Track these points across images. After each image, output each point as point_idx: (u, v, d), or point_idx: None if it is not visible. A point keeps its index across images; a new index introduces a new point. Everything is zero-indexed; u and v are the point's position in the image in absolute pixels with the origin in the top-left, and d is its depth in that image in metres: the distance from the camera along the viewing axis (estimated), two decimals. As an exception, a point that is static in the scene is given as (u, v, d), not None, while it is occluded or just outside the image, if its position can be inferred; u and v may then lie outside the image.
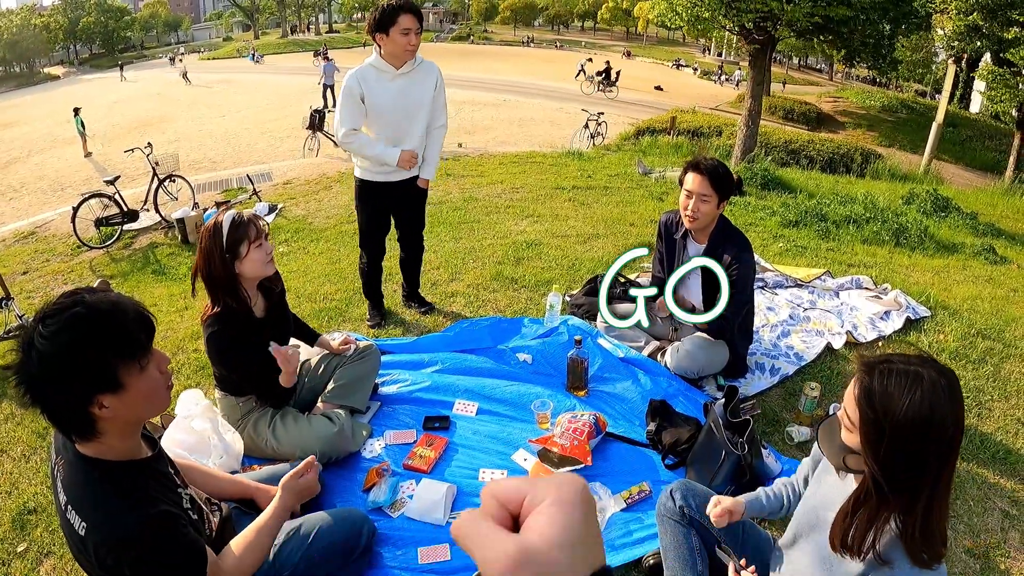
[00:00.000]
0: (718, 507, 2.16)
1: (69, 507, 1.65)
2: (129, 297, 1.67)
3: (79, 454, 1.66)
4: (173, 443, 2.98)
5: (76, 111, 19.13)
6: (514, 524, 0.54)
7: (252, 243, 2.81)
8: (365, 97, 3.99)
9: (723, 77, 43.46)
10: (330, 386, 3.36)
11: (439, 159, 4.38)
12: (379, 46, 3.93)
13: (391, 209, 4.44)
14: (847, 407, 1.70)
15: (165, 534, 1.65)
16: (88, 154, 18.42)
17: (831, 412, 3.55)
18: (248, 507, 2.44)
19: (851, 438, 1.70)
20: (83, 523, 1.61)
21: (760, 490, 2.29)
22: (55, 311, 1.53)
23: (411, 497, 2.89)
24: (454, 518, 2.77)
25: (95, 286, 5.71)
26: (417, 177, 4.28)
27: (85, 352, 1.53)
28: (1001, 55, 16.81)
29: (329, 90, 23.09)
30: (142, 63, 60.57)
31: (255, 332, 2.95)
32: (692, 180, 3.52)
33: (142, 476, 1.72)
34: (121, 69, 46.24)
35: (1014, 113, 17.52)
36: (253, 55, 51.42)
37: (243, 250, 2.80)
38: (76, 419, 1.59)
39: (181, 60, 50.19)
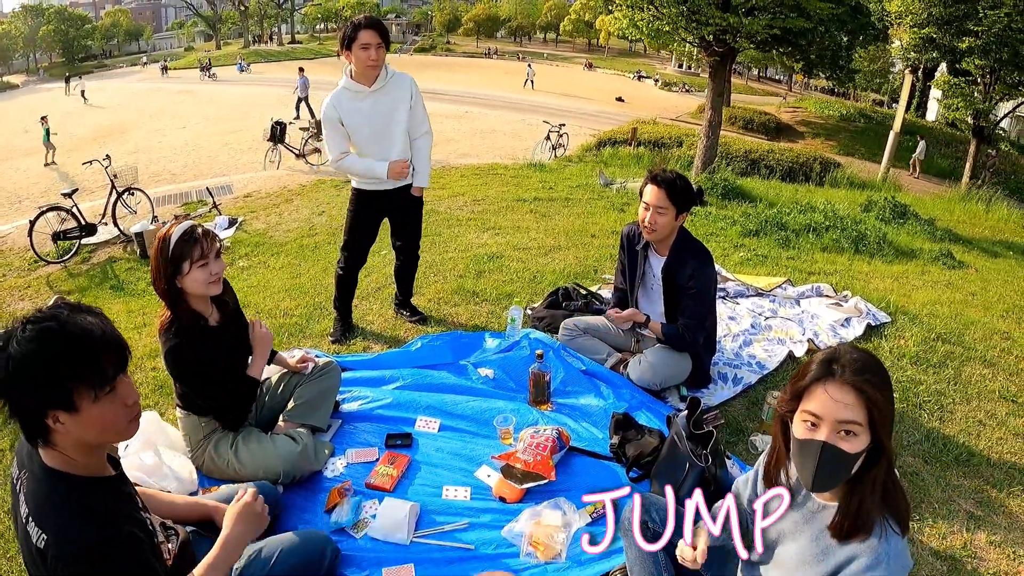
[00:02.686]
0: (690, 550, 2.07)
1: (30, 519, 1.63)
2: (110, 326, 1.68)
3: (45, 467, 1.66)
4: (132, 466, 2.91)
5: (43, 119, 19.00)
6: None
7: (195, 263, 2.74)
8: (343, 120, 4.07)
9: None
10: (291, 404, 3.29)
11: (430, 166, 4.43)
12: (348, 63, 4.00)
13: (387, 218, 4.49)
14: (845, 416, 1.66)
15: (124, 555, 1.63)
16: (50, 163, 18.14)
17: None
18: (207, 530, 2.39)
19: (861, 441, 1.67)
20: (43, 535, 1.60)
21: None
22: (34, 319, 1.57)
23: (374, 517, 2.84)
24: (418, 537, 2.76)
25: (51, 304, 5.58)
26: (411, 186, 4.34)
27: (44, 367, 1.54)
28: (956, 65, 17.23)
29: (303, 103, 23.19)
30: (103, 73, 59.60)
31: (212, 342, 2.90)
32: (650, 192, 3.56)
33: (107, 494, 1.71)
34: (67, 82, 40.88)
35: (970, 120, 17.95)
36: (241, 65, 50.47)
37: (185, 267, 2.73)
38: (33, 426, 1.61)
39: (166, 70, 49.09)
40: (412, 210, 4.48)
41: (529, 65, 44.85)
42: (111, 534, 1.62)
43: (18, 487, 1.72)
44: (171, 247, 2.71)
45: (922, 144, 22.73)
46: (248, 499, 2.15)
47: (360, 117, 4.07)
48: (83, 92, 35.19)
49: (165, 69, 51.14)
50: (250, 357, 3.14)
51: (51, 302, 4.98)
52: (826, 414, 1.68)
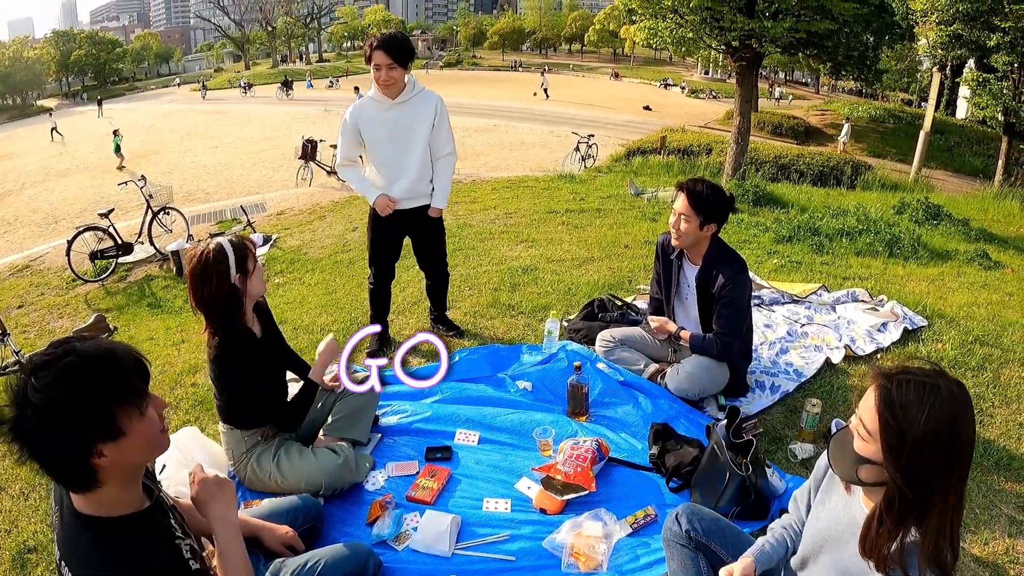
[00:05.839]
0: None
1: (63, 563, 1.63)
2: (121, 342, 1.65)
3: (74, 511, 1.63)
4: (174, 483, 2.96)
5: (115, 132, 20.88)
6: None
7: (256, 261, 2.89)
8: (361, 129, 4.12)
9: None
10: (330, 419, 3.33)
11: (450, 188, 4.43)
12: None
13: (406, 236, 4.52)
14: (863, 417, 1.69)
15: None
16: (124, 181, 19.04)
17: (833, 428, 3.55)
18: (251, 545, 2.42)
19: (866, 448, 1.69)
20: None
21: (761, 540, 2.24)
22: (47, 363, 1.49)
23: (415, 529, 2.87)
24: (459, 549, 2.77)
25: (91, 321, 5.66)
26: (428, 206, 4.34)
27: (84, 402, 1.49)
28: (984, 61, 16.98)
29: None
30: (134, 95, 60.68)
31: (259, 352, 2.98)
32: (677, 199, 3.64)
33: (137, 531, 1.68)
34: (99, 104, 43.32)
35: (1000, 118, 17.65)
36: (310, 83, 53.09)
37: (251, 266, 2.86)
38: (76, 471, 1.55)
39: (205, 93, 50.20)
40: (431, 231, 4.47)
41: (543, 74, 46.09)
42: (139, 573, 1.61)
43: (54, 524, 1.71)
44: (231, 253, 2.81)
45: (847, 126, 25.17)
46: (197, 476, 2.08)
47: (380, 127, 4.11)
48: (54, 129, 32.15)
49: (205, 88, 52.39)
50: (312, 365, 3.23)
51: (91, 320, 5.05)
52: (859, 407, 1.73)
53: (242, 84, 52.06)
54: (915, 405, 1.59)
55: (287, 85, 45.38)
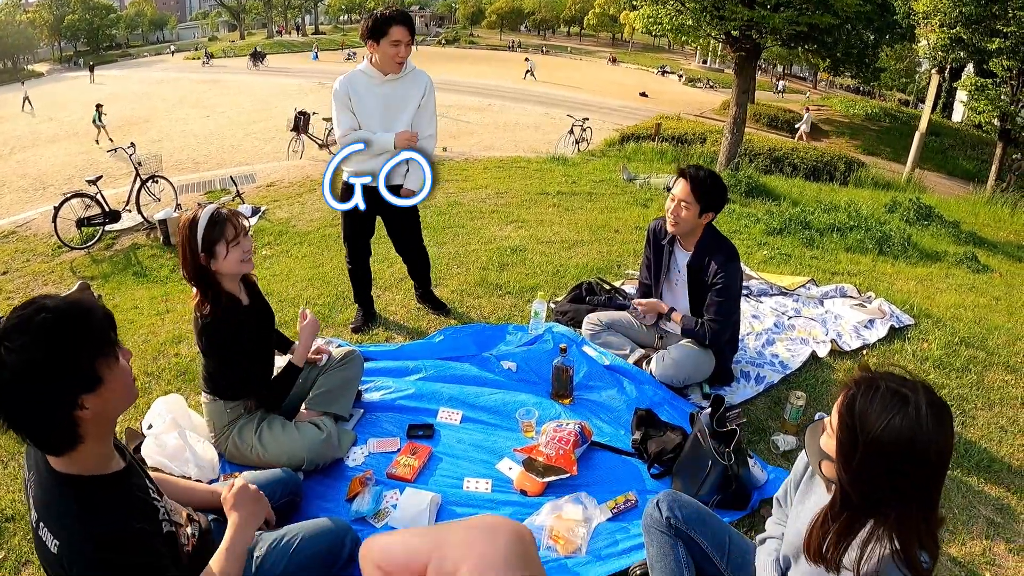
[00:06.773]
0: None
1: (41, 524, 1.63)
2: (84, 296, 1.66)
3: (52, 470, 1.64)
4: (153, 451, 2.93)
5: (99, 106, 20.83)
6: None
7: (230, 243, 2.77)
8: (352, 101, 4.02)
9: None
10: (312, 393, 3.31)
11: (428, 171, 4.27)
12: (371, 52, 3.96)
13: (378, 215, 4.39)
14: (833, 413, 1.70)
15: (133, 554, 1.63)
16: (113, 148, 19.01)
17: (816, 421, 3.55)
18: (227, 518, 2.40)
19: (829, 444, 1.71)
20: (55, 540, 1.59)
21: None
22: (19, 323, 1.49)
23: (395, 506, 2.85)
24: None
25: (75, 288, 5.61)
26: (401, 186, 4.19)
27: (66, 354, 1.51)
28: (984, 66, 16.99)
29: None
30: (126, 62, 60.07)
31: (246, 321, 2.94)
32: (678, 185, 3.58)
33: (115, 490, 1.70)
34: (91, 70, 43.10)
35: (996, 123, 17.68)
36: (315, 54, 52.69)
37: (220, 250, 2.76)
38: (59, 429, 1.56)
39: (208, 60, 49.84)
40: (403, 213, 4.33)
41: (527, 59, 46.18)
42: (117, 534, 1.61)
43: (28, 489, 1.71)
44: (200, 232, 2.72)
45: (807, 115, 26.21)
46: (239, 484, 2.19)
47: (371, 101, 4.02)
48: (26, 98, 31.40)
49: (209, 56, 51.84)
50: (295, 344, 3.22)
51: (75, 287, 5.00)
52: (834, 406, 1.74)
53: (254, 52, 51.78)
54: (876, 414, 1.58)
55: (259, 57, 46.25)
